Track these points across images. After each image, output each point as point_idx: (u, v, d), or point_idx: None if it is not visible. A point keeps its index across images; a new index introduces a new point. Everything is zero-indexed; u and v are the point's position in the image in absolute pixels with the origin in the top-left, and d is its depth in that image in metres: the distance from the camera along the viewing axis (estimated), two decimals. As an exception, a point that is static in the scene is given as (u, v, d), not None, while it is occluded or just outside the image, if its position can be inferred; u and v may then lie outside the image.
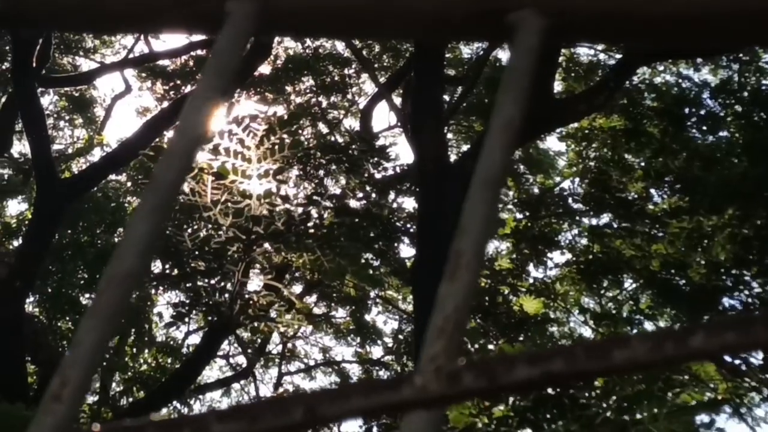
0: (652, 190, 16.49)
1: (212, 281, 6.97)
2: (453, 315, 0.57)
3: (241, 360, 21.94)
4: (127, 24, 0.78)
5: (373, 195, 16.91)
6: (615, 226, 16.55)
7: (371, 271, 19.02)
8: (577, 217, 17.98)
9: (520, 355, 0.49)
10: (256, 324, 7.04)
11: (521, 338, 15.12)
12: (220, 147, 5.92)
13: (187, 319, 7.70)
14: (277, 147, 5.98)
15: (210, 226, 6.41)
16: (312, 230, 6.16)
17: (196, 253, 6.71)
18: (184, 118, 0.69)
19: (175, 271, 14.10)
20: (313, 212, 6.23)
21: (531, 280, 18.44)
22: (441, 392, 0.49)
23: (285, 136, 6.04)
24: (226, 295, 6.71)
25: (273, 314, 6.83)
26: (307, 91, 21.40)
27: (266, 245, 6.32)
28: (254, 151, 5.95)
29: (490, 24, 0.73)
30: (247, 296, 6.75)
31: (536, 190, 20.37)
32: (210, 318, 11.79)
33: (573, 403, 5.09)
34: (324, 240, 6.21)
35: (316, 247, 6.26)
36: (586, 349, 0.48)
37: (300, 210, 6.36)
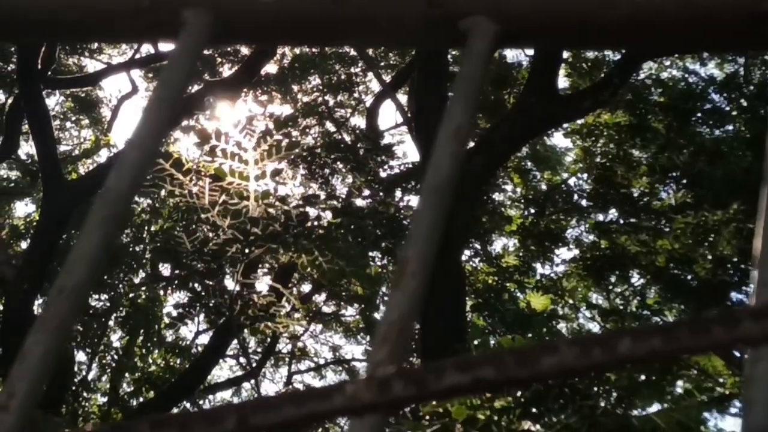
0: (658, 186, 16.46)
1: (212, 282, 6.98)
2: (397, 322, 0.57)
3: (252, 359, 21.94)
4: (84, 34, 0.78)
5: (380, 193, 16.91)
6: (620, 222, 16.52)
7: (372, 271, 19.03)
8: (584, 213, 17.94)
9: (450, 362, 0.49)
10: (256, 325, 7.05)
11: (529, 335, 15.08)
12: (218, 149, 5.93)
13: (188, 320, 7.72)
14: (274, 148, 5.99)
15: (209, 227, 6.42)
16: (309, 231, 6.16)
17: (196, 254, 6.73)
18: (137, 129, 0.69)
19: (177, 272, 14.12)
20: (311, 213, 6.24)
21: (538, 277, 18.42)
22: (371, 400, 0.49)
23: (281, 137, 6.05)
24: (226, 296, 6.72)
25: (274, 315, 6.84)
26: (314, 90, 21.38)
27: (265, 246, 6.32)
28: (251, 152, 5.96)
29: (442, 31, 0.73)
30: (247, 297, 6.76)
31: (544, 187, 20.33)
32: (210, 319, 11.83)
33: (573, 394, 5.09)
34: (322, 241, 6.21)
35: (314, 248, 6.25)
36: (514, 355, 0.49)
37: (299, 210, 6.35)
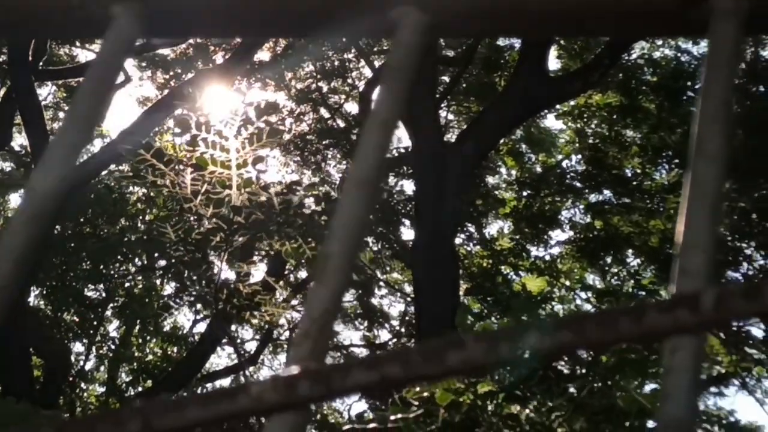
0: (650, 166, 16.47)
1: (197, 272, 6.98)
2: (319, 319, 0.57)
3: (250, 347, 21.96)
4: (15, 31, 0.78)
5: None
6: (613, 202, 16.53)
7: (368, 256, 19.06)
8: (578, 195, 17.96)
9: (357, 360, 0.49)
10: (242, 314, 7.05)
11: (523, 317, 15.08)
12: (198, 138, 5.91)
13: (173, 311, 7.73)
14: (255, 136, 5.98)
15: (192, 217, 6.41)
16: (293, 218, 6.15)
17: (180, 244, 6.71)
18: (63, 126, 0.69)
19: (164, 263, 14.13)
20: (294, 200, 6.21)
21: (532, 259, 18.46)
22: (277, 401, 0.49)
23: (262, 124, 6.03)
24: (212, 286, 6.72)
25: (260, 304, 6.84)
26: (308, 76, 21.39)
27: (249, 235, 6.32)
28: (233, 141, 5.95)
29: (372, 19, 0.73)
30: (233, 286, 6.75)
31: (539, 169, 20.35)
32: (197, 309, 11.84)
33: (558, 376, 5.09)
34: (306, 228, 6.20)
35: (297, 236, 6.25)
36: (421, 352, 0.48)
37: (282, 198, 6.34)
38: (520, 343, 0.47)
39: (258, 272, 17.23)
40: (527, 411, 4.86)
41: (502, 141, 19.05)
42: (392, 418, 5.00)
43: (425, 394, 4.97)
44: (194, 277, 7.01)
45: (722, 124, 0.62)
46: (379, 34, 0.74)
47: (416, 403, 4.98)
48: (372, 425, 5.11)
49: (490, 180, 20.11)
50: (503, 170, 20.68)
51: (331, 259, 0.60)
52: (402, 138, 20.95)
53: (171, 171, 6.09)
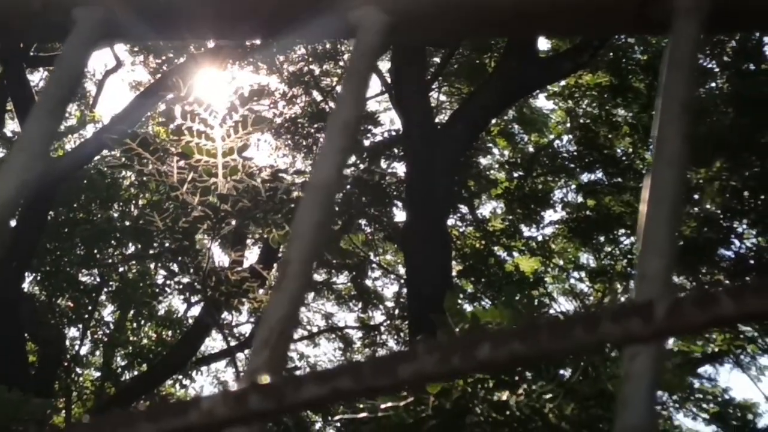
0: (641, 145, 16.49)
1: (185, 259, 6.98)
2: (277, 326, 0.57)
3: (245, 329, 21.97)
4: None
5: (365, 162, 16.93)
6: (605, 182, 16.54)
7: (361, 238, 19.07)
8: (570, 175, 17.97)
9: (308, 374, 0.48)
10: (231, 301, 7.05)
11: (517, 297, 15.11)
12: (183, 127, 5.90)
13: (161, 298, 7.72)
14: (240, 124, 5.96)
15: (179, 205, 6.40)
16: (279, 205, 6.13)
17: (167, 232, 6.71)
18: (24, 132, 0.68)
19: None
20: (281, 187, 6.20)
21: (525, 240, 18.49)
22: (227, 415, 0.48)
23: (247, 112, 6.02)
24: (200, 273, 6.71)
25: (248, 291, 6.84)
26: (299, 59, 21.36)
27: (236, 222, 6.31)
28: (218, 129, 5.94)
29: (332, 21, 0.73)
30: (221, 273, 6.75)
31: (531, 150, 20.36)
32: (185, 296, 11.83)
33: (548, 362, 5.09)
34: (292, 215, 6.19)
35: (284, 223, 6.24)
36: (372, 365, 0.48)
37: (268, 185, 6.33)
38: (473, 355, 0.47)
39: (253, 256, 17.26)
40: (517, 397, 4.87)
41: (494, 122, 19.07)
42: (382, 406, 5.01)
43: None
44: (182, 265, 7.01)
45: (682, 125, 0.62)
46: (341, 36, 0.73)
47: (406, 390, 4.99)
48: (363, 414, 5.12)
49: (483, 161, 20.14)
50: (496, 151, 20.72)
51: (289, 265, 0.59)
52: (394, 120, 20.99)
53: (157, 159, 6.08)
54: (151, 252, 16.13)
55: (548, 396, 5.03)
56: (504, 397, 4.95)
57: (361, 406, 5.26)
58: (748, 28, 0.69)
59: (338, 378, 0.48)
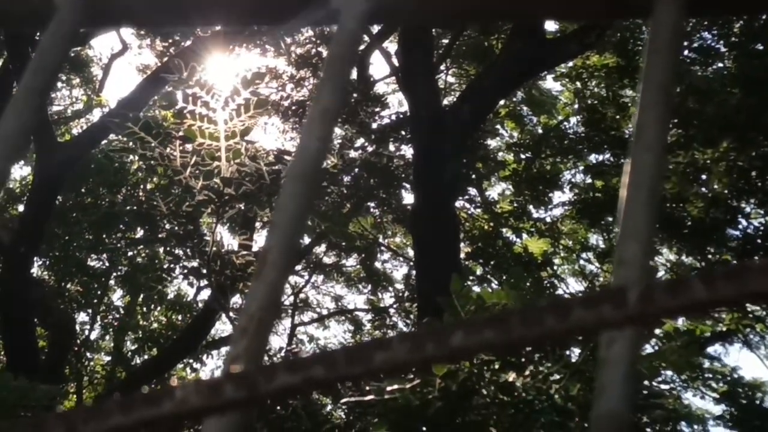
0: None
1: (189, 244, 6.99)
2: (257, 314, 0.57)
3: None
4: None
5: (373, 144, 16.90)
6: (612, 163, 16.50)
7: (369, 221, 19.06)
8: (578, 156, 17.93)
9: (281, 363, 0.48)
10: (235, 285, 7.06)
11: (525, 278, 15.12)
12: (185, 111, 5.89)
13: (167, 282, 7.74)
14: (242, 107, 5.96)
15: (182, 189, 6.40)
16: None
17: (171, 216, 6.71)
18: (3, 119, 0.68)
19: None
20: (284, 169, 6.18)
21: (534, 221, 18.46)
22: (201, 405, 0.48)
23: (249, 95, 6.01)
24: (205, 258, 6.71)
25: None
26: (307, 41, 21.30)
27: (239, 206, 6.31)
28: (220, 112, 5.93)
29: (314, 7, 0.72)
30: (225, 257, 6.74)
31: (540, 131, 20.32)
32: (189, 281, 11.84)
33: (553, 344, 5.09)
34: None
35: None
36: (346, 354, 0.48)
37: (271, 168, 6.31)
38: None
39: (262, 239, 17.27)
40: (523, 378, 4.88)
41: (502, 103, 19.04)
42: (388, 389, 5.02)
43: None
44: (187, 249, 7.02)
45: (662, 111, 0.61)
46: (324, 22, 0.73)
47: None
48: (369, 396, 5.12)
49: (492, 143, 20.12)
50: (505, 132, 20.69)
51: (268, 254, 0.59)
52: (402, 102, 20.95)
53: (160, 143, 6.07)
54: (156, 236, 16.15)
55: (554, 377, 5.04)
56: (510, 379, 4.95)
57: (368, 388, 5.27)
58: (728, 12, 0.69)
59: (312, 367, 0.48)
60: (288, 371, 0.48)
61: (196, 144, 5.95)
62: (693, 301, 0.46)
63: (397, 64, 15.93)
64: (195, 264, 7.33)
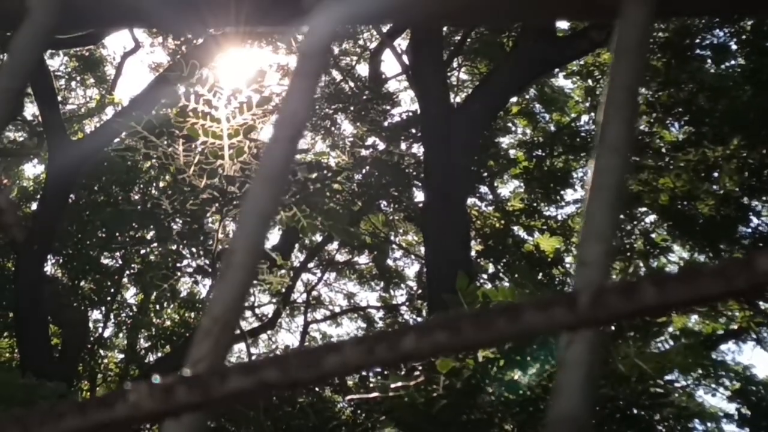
0: (657, 124, 16.42)
1: (194, 242, 7.00)
2: (221, 316, 0.57)
3: (267, 310, 21.99)
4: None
5: (384, 142, 16.90)
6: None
7: (380, 219, 19.06)
8: (590, 154, 17.90)
9: (233, 367, 0.49)
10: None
11: (539, 277, 15.12)
12: (188, 109, 5.89)
13: (172, 282, 7.73)
14: (245, 105, 5.96)
15: (186, 188, 6.40)
16: (285, 187, 6.09)
17: (176, 215, 6.72)
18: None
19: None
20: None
21: (545, 219, 18.44)
22: (154, 408, 0.48)
23: (252, 93, 6.01)
24: (210, 256, 6.72)
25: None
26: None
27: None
28: (222, 110, 5.93)
29: (287, 6, 0.72)
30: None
31: (553, 128, 20.29)
32: (195, 279, 11.84)
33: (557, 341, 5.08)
34: (299, 196, 6.17)
35: (292, 204, 6.22)
36: (298, 357, 0.48)
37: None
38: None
39: (274, 237, 17.28)
40: (527, 376, 4.88)
41: (514, 100, 19.02)
42: (393, 386, 5.02)
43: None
44: (191, 248, 7.03)
45: (628, 112, 0.61)
46: (294, 22, 0.73)
47: (418, 370, 5.00)
48: (374, 394, 5.13)
49: (505, 140, 20.10)
50: (519, 130, 20.67)
51: (234, 255, 0.59)
52: (414, 100, 20.94)
53: (164, 143, 6.08)
54: (162, 235, 16.16)
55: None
56: (515, 377, 4.95)
57: (372, 386, 5.28)
58: (696, 14, 0.69)
59: (264, 370, 0.48)
60: (241, 374, 0.48)
61: (200, 142, 5.96)
62: (644, 305, 0.46)
63: (407, 61, 15.93)
64: (200, 263, 7.34)
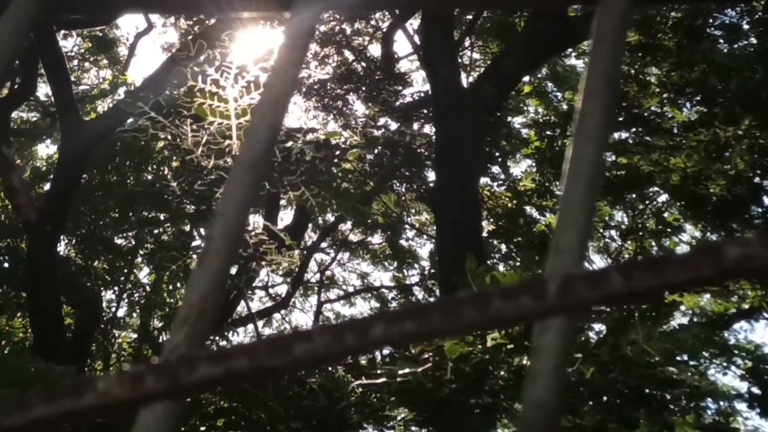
0: (668, 105, 16.37)
1: (202, 224, 7.00)
2: (198, 303, 0.57)
3: (281, 290, 22.03)
4: None
5: (396, 122, 16.88)
6: (634, 141, 16.44)
7: (392, 198, 19.05)
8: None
9: (202, 354, 0.49)
10: (249, 264, 7.07)
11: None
12: (195, 89, 5.88)
13: (180, 262, 7.72)
14: (252, 84, 5.95)
15: (194, 168, 6.40)
16: (293, 167, 6.10)
17: (184, 196, 6.72)
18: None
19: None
20: (296, 147, 6.16)
21: (557, 199, 18.38)
22: (122, 396, 0.49)
23: (259, 72, 6.00)
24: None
25: (265, 253, 6.85)
26: (331, 18, 21.26)
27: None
28: (230, 90, 5.91)
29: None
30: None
31: (565, 107, 20.23)
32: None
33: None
34: (307, 175, 6.15)
35: (300, 183, 6.21)
36: (267, 345, 0.48)
37: (282, 146, 6.29)
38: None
39: (287, 216, 17.29)
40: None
41: (527, 80, 18.97)
42: (400, 372, 5.02)
43: (433, 347, 4.98)
44: (202, 229, 7.03)
45: (606, 100, 0.61)
46: (275, 9, 0.73)
47: (426, 355, 4.99)
48: (381, 380, 5.13)
49: (516, 120, 20.06)
50: (531, 109, 20.62)
51: (211, 243, 0.59)
52: (426, 80, 20.89)
53: (171, 123, 6.07)
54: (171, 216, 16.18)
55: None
56: (524, 362, 4.95)
57: (380, 372, 5.28)
58: (678, 1, 0.68)
59: (233, 358, 0.48)
60: (210, 363, 0.48)
61: (207, 122, 5.95)
62: (611, 292, 0.46)
63: (418, 41, 15.89)
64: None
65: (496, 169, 18.83)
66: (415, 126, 17.56)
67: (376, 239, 22.39)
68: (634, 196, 17.04)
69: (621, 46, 0.63)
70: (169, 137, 6.21)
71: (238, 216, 0.61)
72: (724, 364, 16.32)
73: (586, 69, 0.63)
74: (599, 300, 0.47)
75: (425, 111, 16.72)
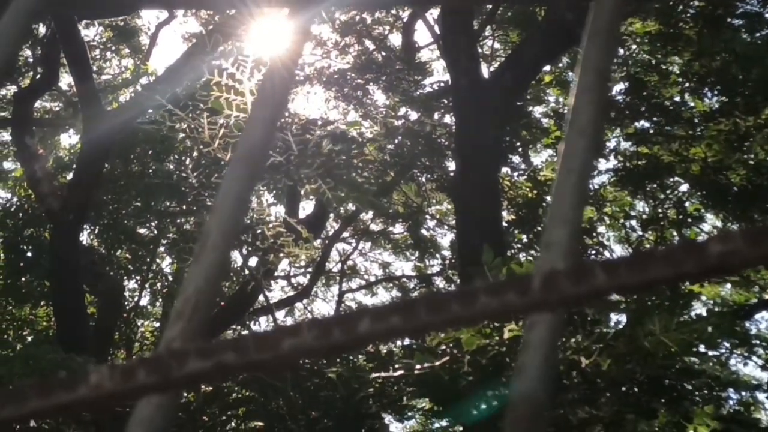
0: (689, 95, 16.29)
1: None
2: (193, 297, 0.58)
3: (303, 280, 22.03)
4: None
5: (416, 112, 16.84)
6: (653, 131, 16.36)
7: (413, 189, 19.03)
8: (621, 123, 17.75)
9: (192, 348, 0.49)
10: (267, 256, 7.09)
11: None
12: (212, 83, 5.88)
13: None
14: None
15: (211, 161, 6.42)
16: (310, 159, 6.09)
17: (202, 188, 6.74)
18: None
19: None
20: (312, 140, 6.15)
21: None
22: (114, 389, 0.49)
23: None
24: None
25: (283, 245, 6.86)
26: (351, 7, 21.20)
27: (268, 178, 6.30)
28: (246, 83, 5.91)
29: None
30: (257, 228, 6.75)
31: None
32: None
33: (583, 320, 5.07)
34: (324, 168, 6.14)
35: (317, 176, 6.20)
36: (255, 340, 0.49)
37: (299, 139, 6.29)
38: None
39: (309, 206, 17.29)
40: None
41: (547, 70, 18.90)
42: (418, 366, 5.01)
43: (451, 339, 4.97)
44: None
45: (598, 95, 0.61)
46: (266, 4, 0.73)
47: (444, 347, 4.98)
48: (399, 372, 5.14)
49: (537, 109, 19.98)
50: (551, 99, 20.55)
51: (208, 237, 0.60)
52: (446, 69, 20.84)
53: (188, 115, 6.08)
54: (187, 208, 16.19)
55: (585, 352, 5.02)
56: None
57: (397, 365, 5.29)
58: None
59: (222, 352, 0.49)
60: (199, 357, 0.49)
61: (224, 115, 5.95)
62: (594, 288, 0.46)
63: (438, 31, 15.85)
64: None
65: (516, 158, 18.78)
66: (436, 116, 17.53)
67: (398, 229, 22.36)
68: (654, 185, 16.95)
69: (613, 42, 0.63)
70: (187, 130, 6.22)
71: (235, 211, 0.61)
72: (745, 354, 16.25)
73: (578, 64, 0.63)
74: (583, 295, 0.47)
75: (445, 101, 16.68)
